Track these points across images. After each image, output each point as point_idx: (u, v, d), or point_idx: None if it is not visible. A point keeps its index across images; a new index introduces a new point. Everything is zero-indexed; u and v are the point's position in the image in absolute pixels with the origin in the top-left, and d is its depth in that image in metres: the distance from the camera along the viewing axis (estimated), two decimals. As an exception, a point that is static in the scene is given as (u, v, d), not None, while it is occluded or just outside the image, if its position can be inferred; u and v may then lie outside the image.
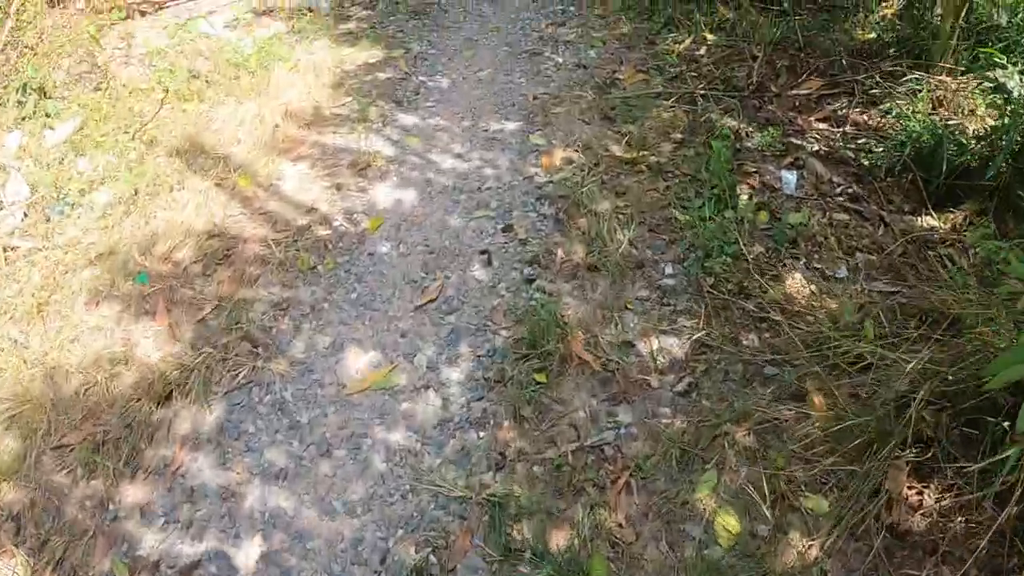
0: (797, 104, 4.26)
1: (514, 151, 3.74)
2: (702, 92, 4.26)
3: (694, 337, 2.76)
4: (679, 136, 3.87)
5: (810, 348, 2.68)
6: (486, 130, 3.93)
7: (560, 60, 4.68)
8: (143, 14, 5.67)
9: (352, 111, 4.11)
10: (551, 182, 3.52)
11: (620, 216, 3.34)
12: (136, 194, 3.60)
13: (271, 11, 5.66)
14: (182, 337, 2.96)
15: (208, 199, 3.61)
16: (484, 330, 2.84)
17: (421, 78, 4.47)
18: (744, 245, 3.17)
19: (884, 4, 5.18)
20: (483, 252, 3.15)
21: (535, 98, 4.25)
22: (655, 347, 2.77)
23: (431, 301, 2.97)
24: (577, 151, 3.74)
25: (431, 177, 3.59)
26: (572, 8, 5.46)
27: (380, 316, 2.95)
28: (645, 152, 3.69)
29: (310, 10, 5.62)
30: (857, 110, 4.13)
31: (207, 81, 4.61)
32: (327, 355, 2.81)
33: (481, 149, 3.76)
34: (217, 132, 4.11)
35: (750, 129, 3.94)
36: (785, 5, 5.21)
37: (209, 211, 3.53)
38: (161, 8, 5.79)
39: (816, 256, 3.21)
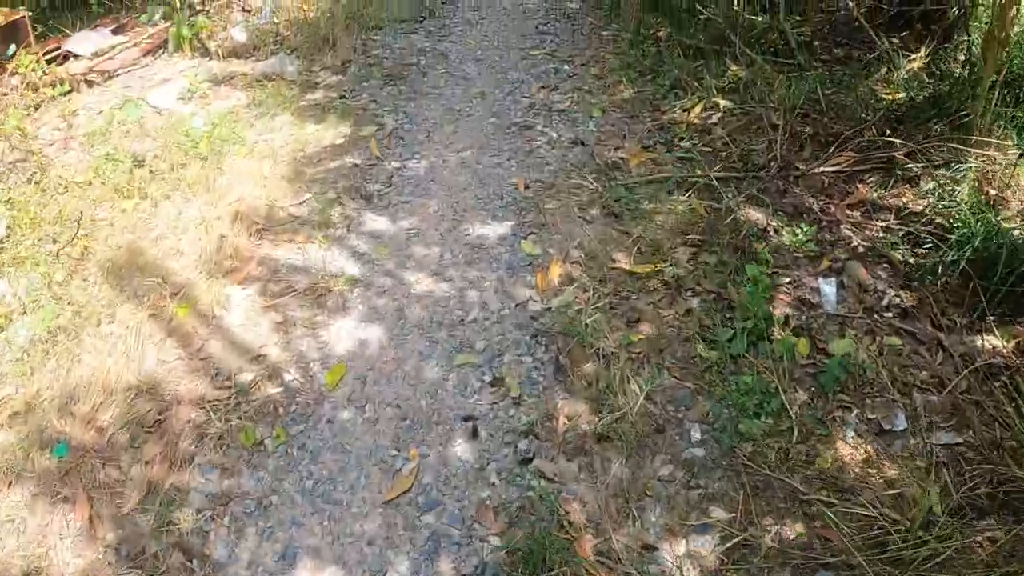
0: (826, 185, 3.68)
1: (503, 265, 3.15)
2: (719, 175, 3.65)
3: (731, 542, 2.17)
4: (697, 237, 3.27)
5: (869, 542, 2.11)
6: (469, 234, 3.34)
7: (554, 135, 4.09)
8: (90, 84, 5.08)
9: (312, 212, 3.51)
10: (548, 309, 2.92)
11: (633, 356, 2.74)
12: (59, 330, 3.00)
13: (232, 78, 5.07)
14: (105, 538, 2.36)
15: (141, 337, 3.00)
16: (470, 537, 2.24)
17: (394, 163, 3.87)
18: (784, 392, 2.57)
19: (911, 57, 4.59)
20: (467, 418, 2.56)
21: (527, 187, 3.66)
22: (681, 552, 2.17)
23: (404, 492, 2.36)
24: (578, 263, 3.14)
25: (403, 306, 2.99)
26: (566, 67, 4.87)
27: (342, 513, 2.35)
28: (659, 262, 3.09)
29: (276, 76, 5.02)
30: (894, 191, 3.54)
31: (151, 171, 4.02)
32: (276, 573, 2.20)
33: (464, 264, 3.17)
34: (157, 241, 3.52)
35: (778, 224, 3.33)
36: (800, 59, 4.63)
37: (141, 354, 2.93)
38: (110, 78, 5.20)
39: (869, 402, 2.62)
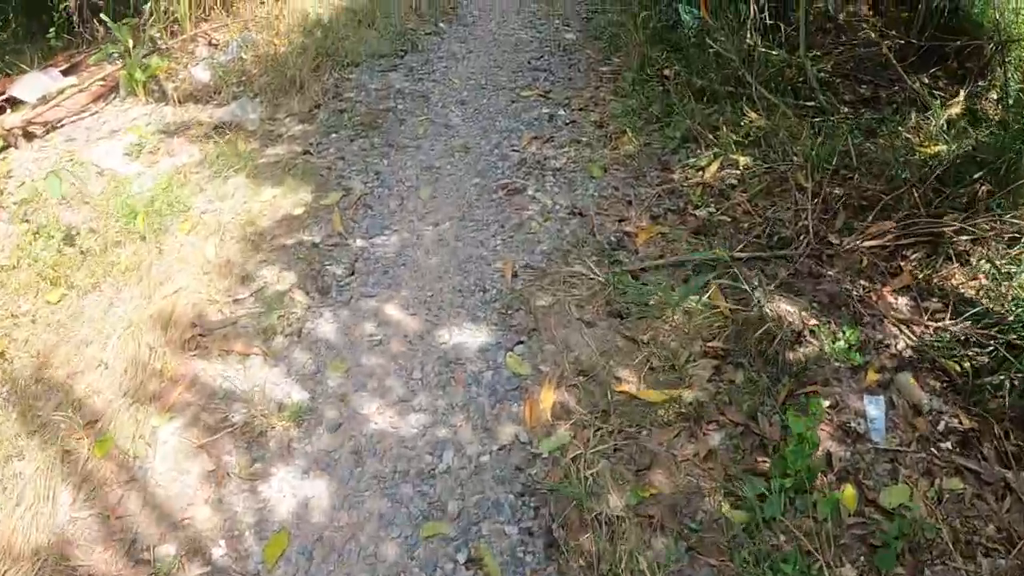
0: (865, 265, 3.10)
1: (484, 389, 2.57)
2: (742, 255, 3.06)
3: None
4: (720, 346, 2.68)
5: None
6: (444, 344, 2.75)
7: (548, 202, 3.50)
8: (30, 138, 4.51)
9: (258, 311, 2.93)
10: (538, 456, 2.33)
11: (642, 522, 2.15)
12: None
13: (188, 127, 4.48)
14: None
15: (53, 482, 2.44)
16: None
17: (360, 241, 3.29)
18: (830, 568, 2.01)
19: (947, 100, 3.99)
20: (434, 625, 1.96)
21: (515, 274, 3.07)
22: None
23: None
24: (576, 386, 2.55)
25: (360, 447, 2.42)
26: (561, 113, 4.27)
27: None
28: (674, 387, 2.50)
29: (236, 125, 4.43)
30: (942, 271, 2.96)
31: (83, 251, 3.45)
32: None
33: (436, 387, 2.59)
34: (80, 348, 2.95)
35: (815, 323, 2.74)
36: (822, 100, 4.04)
37: (53, 507, 2.37)
38: (52, 129, 4.62)
39: (928, 573, 2.05)
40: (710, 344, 2.74)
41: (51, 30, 5.30)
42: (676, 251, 3.21)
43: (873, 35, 5.54)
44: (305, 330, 2.88)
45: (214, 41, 5.87)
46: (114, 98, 5.04)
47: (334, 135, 4.19)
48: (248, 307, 3.02)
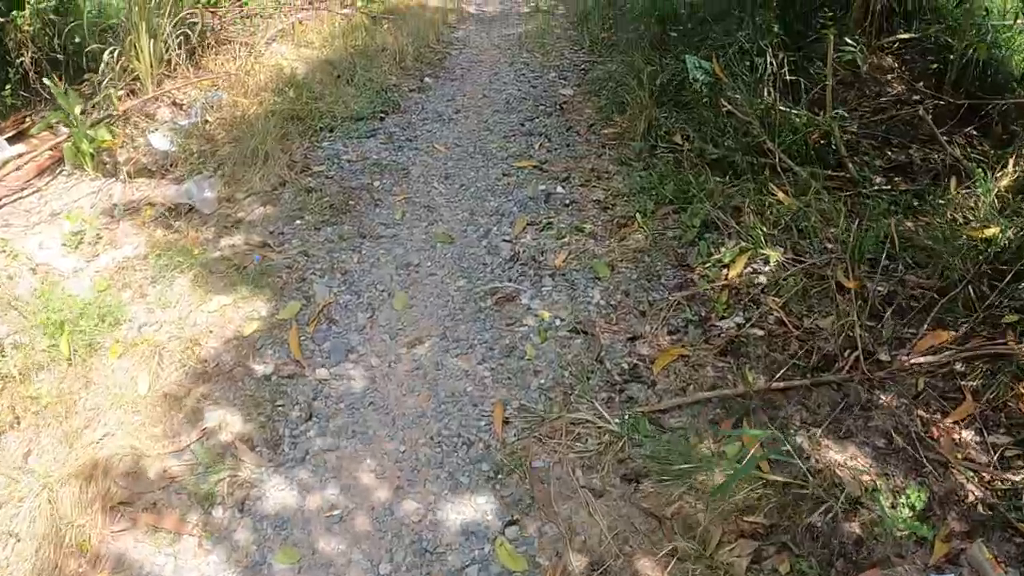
0: (922, 390, 2.53)
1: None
2: (779, 384, 2.49)
3: None
4: (761, 523, 2.09)
5: None
6: (420, 521, 2.16)
7: (546, 316, 2.93)
8: (-41, 220, 3.93)
9: (195, 472, 2.34)
10: None
11: None
12: None
13: (137, 209, 3.93)
14: None
15: None
16: None
17: (320, 371, 2.72)
18: None
19: (994, 169, 3.45)
20: None
21: (506, 421, 2.49)
22: None
23: None
24: (583, 591, 1.96)
25: None
26: (559, 190, 3.72)
27: None
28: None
29: (189, 208, 3.87)
30: (1011, 393, 2.41)
31: (1, 378, 2.88)
32: None
33: (407, 596, 1.98)
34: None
35: (873, 481, 2.18)
36: (852, 169, 3.52)
37: None
38: (-16, 210, 4.05)
39: None
40: (748, 519, 2.15)
41: (7, 87, 4.76)
42: (701, 380, 2.64)
43: (900, 88, 5.02)
44: (251, 499, 2.30)
45: (179, 101, 5.33)
46: (60, 171, 4.48)
47: (299, 221, 3.62)
48: (185, 462, 2.45)
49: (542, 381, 2.66)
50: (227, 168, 4.18)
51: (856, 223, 3.17)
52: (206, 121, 4.90)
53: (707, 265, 3.19)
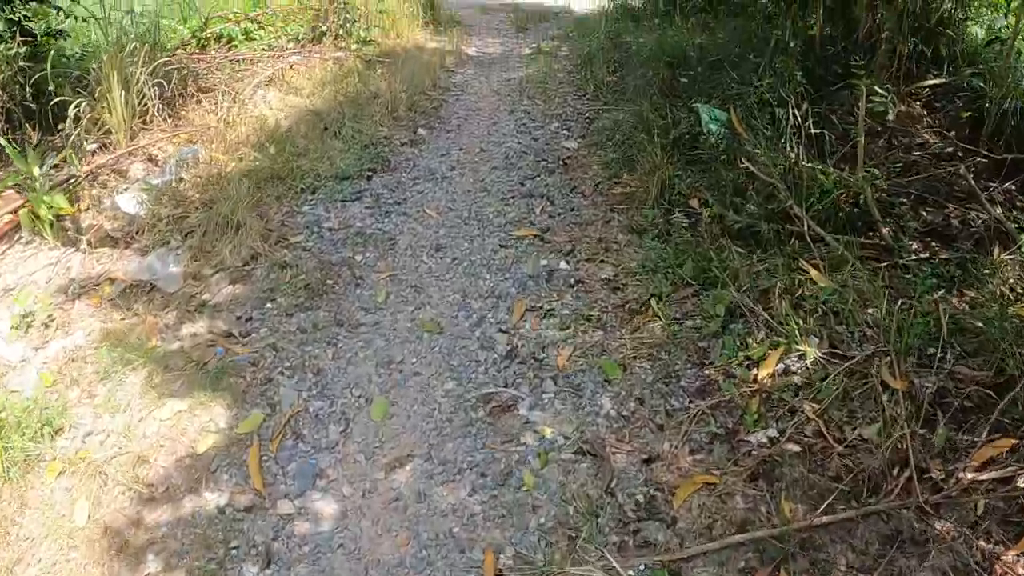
0: (981, 515, 2.13)
1: None
2: (821, 520, 2.05)
3: None
4: None
5: None
6: None
7: (547, 432, 2.50)
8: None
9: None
10: None
11: None
12: None
13: (97, 284, 3.53)
14: None
15: None
16: None
17: (284, 505, 2.29)
18: None
19: None
20: None
21: (499, 574, 2.01)
22: None
23: None
24: None
25: None
26: (563, 266, 3.31)
27: None
28: None
29: (151, 285, 3.46)
30: None
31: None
32: None
33: None
34: None
35: None
36: (886, 234, 3.12)
37: None
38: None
39: None
40: None
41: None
42: (730, 515, 2.20)
43: (932, 139, 4.61)
44: None
45: (154, 156, 4.94)
46: (19, 238, 4.08)
47: (270, 304, 3.20)
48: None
49: (542, 520, 2.21)
50: (196, 237, 3.77)
51: (898, 304, 2.75)
52: (180, 179, 4.51)
53: (733, 362, 2.74)
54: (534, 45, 7.83)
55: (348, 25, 7.13)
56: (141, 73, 4.69)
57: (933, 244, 3.54)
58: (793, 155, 3.73)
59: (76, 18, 5.58)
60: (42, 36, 4.86)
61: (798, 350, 2.75)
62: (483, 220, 3.85)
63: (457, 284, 3.32)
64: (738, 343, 2.83)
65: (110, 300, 3.48)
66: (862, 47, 4.81)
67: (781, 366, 2.74)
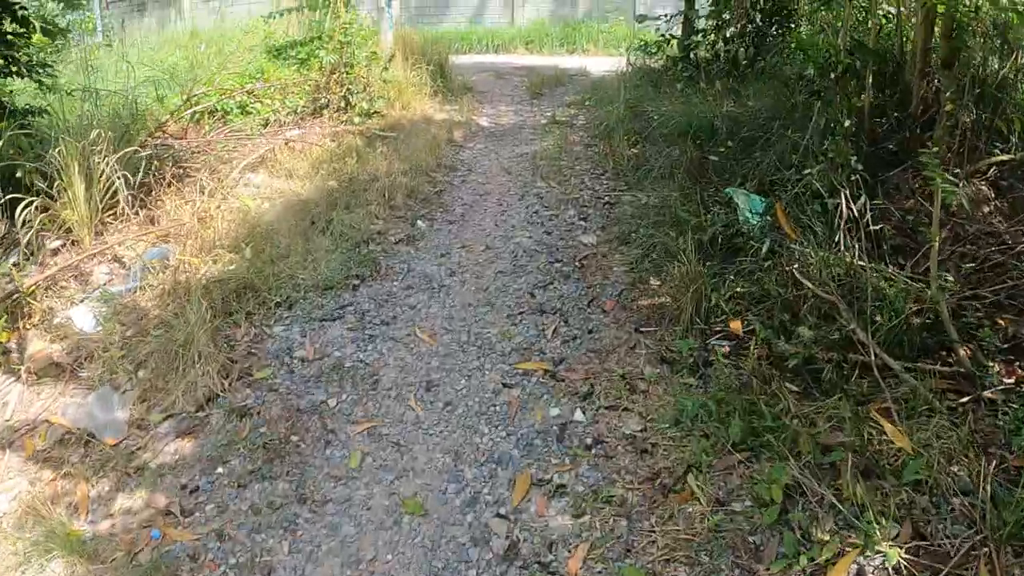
0: None
1: None
2: None
3: None
4: None
5: None
6: None
7: None
8: None
9: None
10: None
11: None
12: None
13: (32, 429, 2.98)
14: None
15: None
16: None
17: None
18: None
19: None
20: None
21: None
22: None
23: None
24: None
25: None
26: (578, 416, 2.73)
27: None
28: None
29: (91, 436, 2.88)
30: None
31: None
32: None
33: None
34: None
35: None
36: (966, 360, 2.49)
37: None
38: None
39: None
40: None
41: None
42: None
43: (1002, 226, 3.97)
44: None
45: (120, 256, 4.41)
46: (-45, 364, 3.53)
47: (221, 469, 2.61)
48: None
49: None
50: (148, 370, 3.19)
51: (991, 465, 2.10)
52: (148, 286, 3.96)
53: (794, 567, 2.08)
54: (549, 113, 7.30)
55: (351, 97, 6.64)
56: (104, 165, 4.18)
57: (1019, 365, 2.90)
58: (850, 258, 3.12)
59: (59, 92, 5.14)
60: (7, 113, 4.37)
61: (878, 551, 2.08)
62: (484, 346, 3.24)
63: (449, 441, 2.69)
64: (799, 538, 2.17)
65: (43, 452, 2.89)
66: (914, 120, 4.21)
67: (854, 566, 2.08)
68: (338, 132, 6.34)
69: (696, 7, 8.59)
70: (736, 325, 3.19)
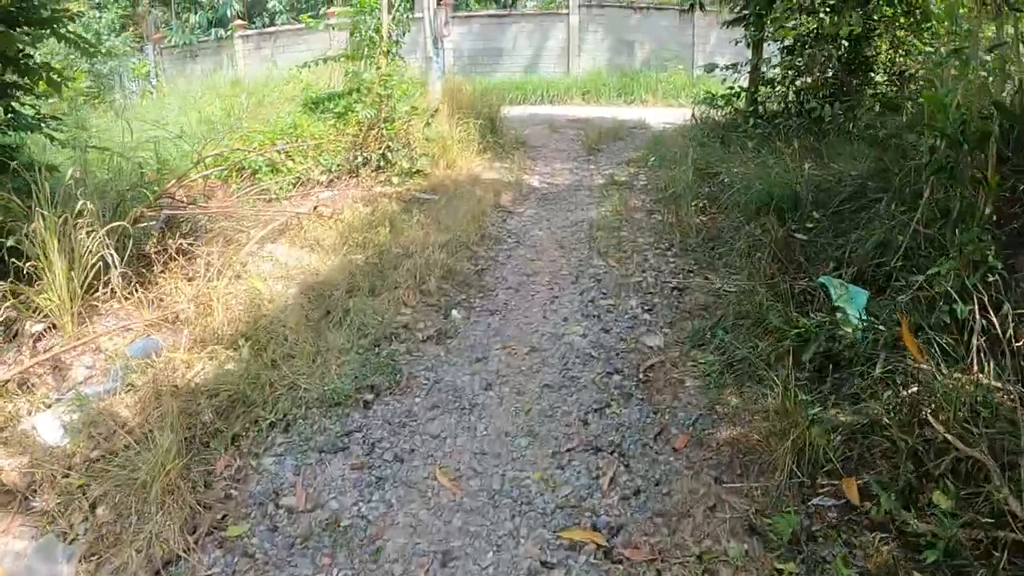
0: None
1: None
2: None
3: None
4: None
5: None
6: None
7: None
8: None
9: None
10: None
11: None
12: None
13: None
14: None
15: None
16: None
17: None
18: None
19: None
20: None
21: None
22: None
23: None
24: None
25: None
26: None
27: None
28: None
29: None
30: None
31: None
32: None
33: None
34: None
35: None
36: None
37: None
38: None
39: None
40: None
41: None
42: None
43: None
44: None
45: (103, 348, 3.79)
46: None
47: None
48: None
49: None
50: (107, 508, 2.51)
51: None
52: (131, 388, 3.32)
53: None
54: (607, 172, 6.57)
55: (390, 154, 6.02)
56: (92, 241, 3.59)
57: None
58: (1001, 393, 2.29)
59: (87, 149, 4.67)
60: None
61: None
62: (521, 499, 2.48)
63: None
64: None
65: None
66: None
67: None
68: (374, 195, 5.72)
69: (764, 54, 7.85)
70: (852, 490, 2.37)
